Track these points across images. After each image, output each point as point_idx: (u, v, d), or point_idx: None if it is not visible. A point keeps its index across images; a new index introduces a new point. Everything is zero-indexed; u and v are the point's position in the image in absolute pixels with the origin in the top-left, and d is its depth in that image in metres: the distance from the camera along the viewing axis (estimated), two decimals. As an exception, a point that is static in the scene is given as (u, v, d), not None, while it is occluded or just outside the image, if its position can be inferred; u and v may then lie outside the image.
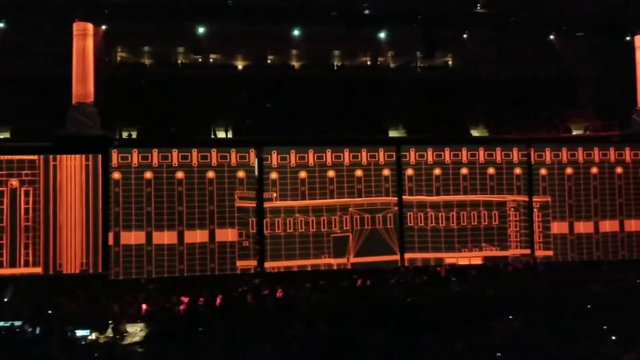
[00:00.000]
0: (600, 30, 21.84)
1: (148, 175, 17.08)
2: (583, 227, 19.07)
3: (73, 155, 16.80)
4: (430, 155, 18.68)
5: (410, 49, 24.27)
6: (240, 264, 17.35)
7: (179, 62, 23.60)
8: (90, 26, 17.88)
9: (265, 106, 22.18)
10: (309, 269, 17.75)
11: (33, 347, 11.42)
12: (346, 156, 18.27)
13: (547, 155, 19.17)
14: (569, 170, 19.22)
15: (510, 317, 13.01)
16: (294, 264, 17.68)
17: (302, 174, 17.99)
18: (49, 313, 13.89)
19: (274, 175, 17.84)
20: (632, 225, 19.28)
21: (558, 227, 18.96)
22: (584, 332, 12.10)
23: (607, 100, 22.04)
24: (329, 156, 18.17)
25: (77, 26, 17.75)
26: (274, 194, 17.78)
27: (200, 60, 23.46)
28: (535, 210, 18.94)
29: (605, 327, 12.46)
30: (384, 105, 22.36)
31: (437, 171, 18.66)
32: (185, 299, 15.37)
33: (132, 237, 16.79)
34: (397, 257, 18.24)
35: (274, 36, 22.54)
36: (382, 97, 22.58)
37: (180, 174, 17.27)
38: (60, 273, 16.44)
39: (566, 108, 23.09)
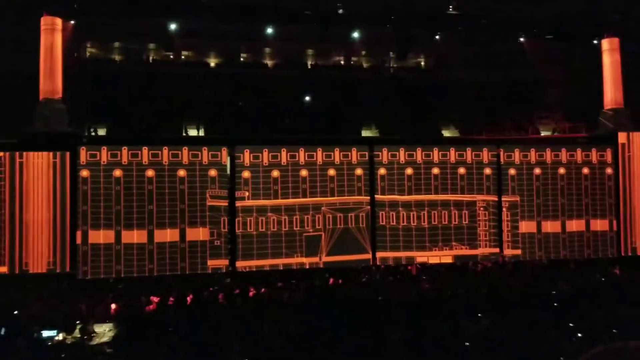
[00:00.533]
0: (569, 33, 22.32)
1: (117, 173, 16.83)
2: (550, 226, 19.45)
3: (40, 153, 16.46)
4: (402, 155, 18.82)
5: (383, 50, 24.41)
6: (211, 263, 17.21)
7: (150, 58, 23.26)
8: (58, 20, 17.46)
9: (238, 104, 22.00)
10: (281, 268, 17.72)
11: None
12: (319, 155, 18.28)
13: (516, 156, 19.51)
14: (537, 171, 19.58)
15: (479, 315, 13.24)
16: (266, 263, 17.62)
17: (275, 173, 17.94)
18: (14, 313, 13.61)
19: (246, 174, 17.75)
20: (597, 224, 19.74)
21: (526, 227, 19.31)
22: (550, 329, 12.39)
23: (575, 102, 22.52)
24: (302, 155, 18.16)
25: (45, 20, 17.29)
26: (246, 193, 17.69)
27: (171, 57, 23.16)
28: (504, 209, 19.25)
29: (571, 324, 12.79)
30: (357, 105, 22.42)
31: (409, 171, 18.82)
32: (155, 299, 15.22)
33: (101, 236, 16.51)
34: (369, 256, 18.32)
35: (247, 34, 22.45)
36: (355, 96, 22.63)
37: (150, 172, 17.05)
38: (27, 272, 16.08)
39: (535, 110, 23.52)
